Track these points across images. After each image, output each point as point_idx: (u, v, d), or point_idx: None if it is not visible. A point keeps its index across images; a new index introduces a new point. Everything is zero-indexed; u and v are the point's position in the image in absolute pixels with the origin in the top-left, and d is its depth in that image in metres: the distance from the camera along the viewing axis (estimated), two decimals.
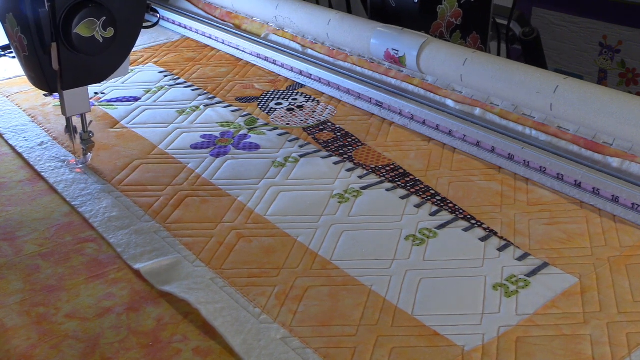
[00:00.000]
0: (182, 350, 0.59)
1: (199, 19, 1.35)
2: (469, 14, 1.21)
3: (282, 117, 1.01)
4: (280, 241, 0.73)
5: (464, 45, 1.23)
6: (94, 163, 0.88)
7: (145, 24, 1.40)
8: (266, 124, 0.98)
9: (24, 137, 0.95)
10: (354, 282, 0.66)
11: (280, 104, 1.05)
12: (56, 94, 0.82)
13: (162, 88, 1.11)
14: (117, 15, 0.77)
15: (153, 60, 1.23)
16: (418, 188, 0.82)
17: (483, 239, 0.72)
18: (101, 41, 0.77)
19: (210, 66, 1.20)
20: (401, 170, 0.86)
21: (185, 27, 1.36)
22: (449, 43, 0.98)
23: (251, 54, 1.21)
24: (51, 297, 0.65)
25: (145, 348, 0.59)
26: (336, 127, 0.97)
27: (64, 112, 0.82)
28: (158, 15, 1.43)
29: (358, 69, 1.07)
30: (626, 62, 1.64)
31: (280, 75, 1.15)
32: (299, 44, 1.17)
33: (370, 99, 1.01)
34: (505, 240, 0.72)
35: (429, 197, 0.80)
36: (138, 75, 1.16)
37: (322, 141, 0.93)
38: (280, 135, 0.95)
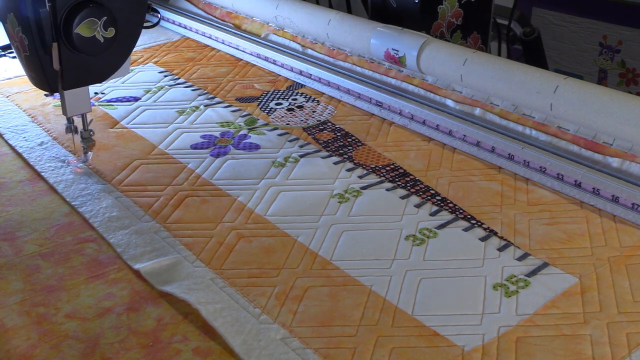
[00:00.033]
0: (182, 351, 0.59)
1: (199, 19, 1.35)
2: (469, 14, 1.21)
3: (282, 117, 1.01)
4: (280, 241, 0.73)
5: (465, 45, 1.23)
6: (94, 163, 0.88)
7: (145, 24, 1.40)
8: (266, 124, 0.98)
9: (24, 137, 0.95)
10: (354, 282, 0.66)
11: (280, 104, 1.05)
12: (57, 93, 0.82)
13: (162, 88, 1.11)
14: (118, 15, 0.77)
15: (153, 60, 1.23)
16: (418, 188, 0.82)
17: (483, 239, 0.72)
18: (102, 41, 0.77)
19: (210, 66, 1.20)
20: (401, 170, 0.86)
21: (185, 27, 1.36)
22: (448, 43, 0.98)
23: (251, 54, 1.21)
24: (51, 297, 0.65)
25: (145, 348, 0.59)
26: (336, 127, 0.97)
27: (64, 112, 0.82)
28: (158, 16, 1.43)
29: (358, 69, 1.07)
30: (626, 62, 1.64)
31: (280, 75, 1.15)
32: (299, 44, 1.17)
33: (370, 99, 1.01)
34: (505, 240, 0.72)
35: (429, 197, 0.80)
36: (138, 75, 1.16)
37: (322, 141, 0.93)
38: (280, 135, 0.95)
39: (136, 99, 1.07)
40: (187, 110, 1.03)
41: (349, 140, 0.94)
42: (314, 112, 1.02)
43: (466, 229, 0.74)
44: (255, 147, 0.92)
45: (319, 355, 0.58)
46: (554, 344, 0.58)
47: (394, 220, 0.76)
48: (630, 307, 0.62)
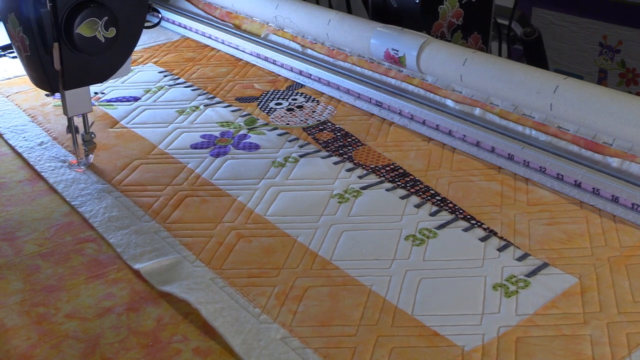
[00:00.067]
0: (182, 350, 0.59)
1: (199, 19, 1.35)
2: (470, 14, 1.21)
3: (282, 117, 1.01)
4: (280, 241, 0.73)
5: (465, 45, 1.23)
6: (94, 163, 0.88)
7: (146, 24, 1.40)
8: (266, 124, 0.98)
9: (24, 137, 0.95)
10: (354, 282, 0.66)
11: (280, 104, 1.05)
12: (58, 93, 0.82)
13: (162, 88, 1.11)
14: (119, 15, 0.77)
15: (153, 60, 1.23)
16: (418, 188, 0.82)
17: (483, 239, 0.72)
18: (103, 41, 0.77)
19: (210, 66, 1.20)
20: (401, 170, 0.86)
21: (185, 27, 1.36)
22: (448, 43, 0.98)
23: (251, 54, 1.21)
24: (51, 297, 0.65)
25: (145, 348, 0.59)
26: (336, 127, 0.97)
27: (65, 112, 0.83)
28: (159, 16, 1.43)
29: (358, 69, 1.07)
30: (626, 62, 1.64)
31: (280, 75, 1.15)
32: (298, 44, 1.17)
33: (370, 99, 1.01)
34: (505, 240, 0.72)
35: (429, 197, 0.80)
36: (138, 75, 1.16)
37: (322, 141, 0.93)
38: (280, 135, 0.95)
39: (136, 99, 1.07)
40: (187, 110, 1.03)
41: (349, 140, 0.94)
42: (313, 112, 1.02)
43: (466, 229, 0.74)
44: (255, 147, 0.92)
45: (319, 355, 0.58)
46: (554, 344, 0.58)
47: (393, 220, 0.76)
48: (630, 307, 0.62)
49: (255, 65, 1.20)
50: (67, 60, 0.77)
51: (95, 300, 0.65)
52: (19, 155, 0.91)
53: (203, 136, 0.95)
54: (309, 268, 0.69)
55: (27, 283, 0.67)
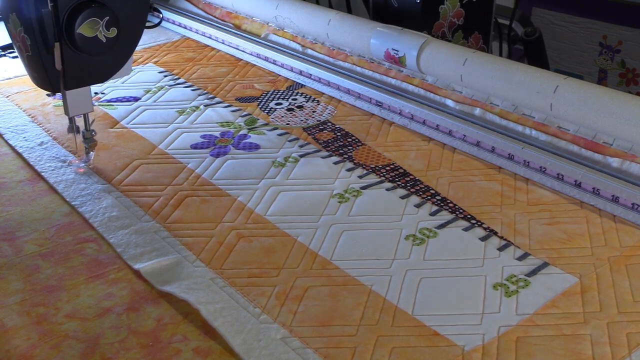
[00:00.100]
0: (182, 350, 0.59)
1: (199, 19, 1.35)
2: (470, 14, 1.21)
3: (282, 117, 1.01)
4: (280, 241, 0.73)
5: (466, 45, 1.23)
6: (94, 163, 0.88)
7: (147, 24, 1.40)
8: (266, 124, 0.98)
9: (24, 137, 0.95)
10: (354, 282, 0.66)
11: (280, 104, 1.05)
12: (59, 93, 0.82)
13: (162, 88, 1.11)
14: (120, 15, 0.77)
15: (153, 60, 1.23)
16: (418, 188, 0.82)
17: (483, 239, 0.72)
18: (104, 41, 0.77)
19: (210, 66, 1.20)
20: (401, 170, 0.86)
21: (185, 27, 1.37)
22: (448, 43, 0.98)
23: (251, 54, 1.21)
24: (51, 297, 0.65)
25: (145, 348, 0.59)
26: (336, 127, 0.97)
27: (66, 112, 0.83)
28: (161, 16, 1.43)
29: (358, 69, 1.07)
30: (626, 62, 1.64)
31: (280, 75, 1.15)
32: (299, 44, 1.17)
33: (370, 99, 1.01)
34: (505, 240, 0.72)
35: (429, 197, 0.80)
36: (138, 75, 1.16)
37: (322, 141, 0.93)
38: (280, 135, 0.95)
39: (136, 99, 1.07)
40: (187, 110, 1.03)
41: (349, 140, 0.94)
42: (314, 112, 1.02)
43: (466, 229, 0.74)
44: (255, 147, 0.92)
45: (319, 355, 0.58)
46: (554, 344, 0.58)
47: (394, 220, 0.76)
48: (630, 307, 0.62)
49: (255, 65, 1.20)
50: (68, 60, 0.77)
51: (95, 300, 0.65)
52: (19, 155, 0.91)
53: (203, 136, 0.95)
54: (309, 268, 0.69)
55: (27, 283, 0.67)
